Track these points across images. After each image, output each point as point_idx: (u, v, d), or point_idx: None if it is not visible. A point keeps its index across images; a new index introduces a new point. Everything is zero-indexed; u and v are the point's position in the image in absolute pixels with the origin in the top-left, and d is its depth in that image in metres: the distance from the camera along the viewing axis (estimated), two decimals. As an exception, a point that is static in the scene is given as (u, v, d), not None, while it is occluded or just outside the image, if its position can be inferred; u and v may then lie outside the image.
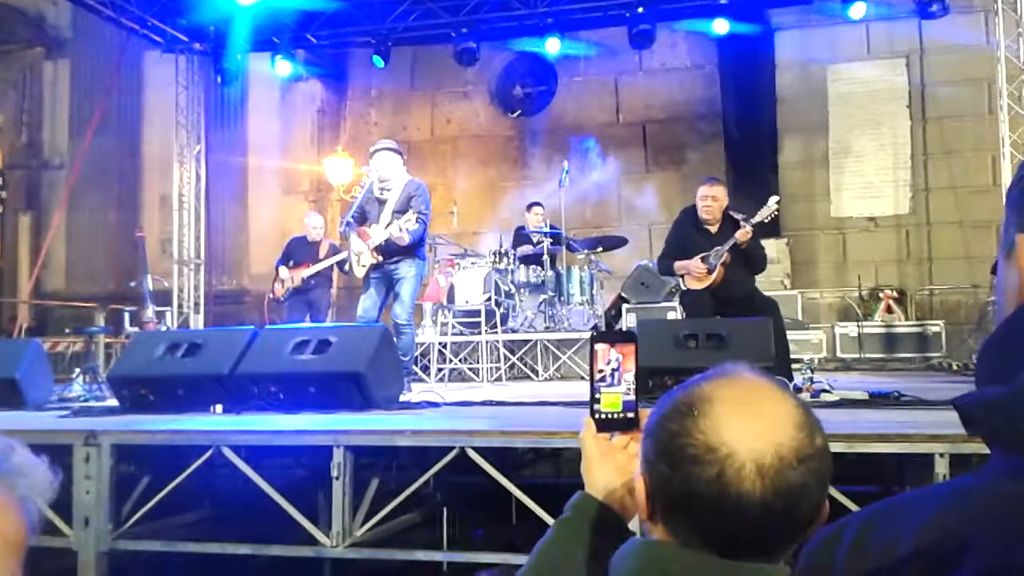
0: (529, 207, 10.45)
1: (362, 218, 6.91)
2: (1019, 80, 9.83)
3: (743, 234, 6.29)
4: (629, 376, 1.43)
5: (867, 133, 12.40)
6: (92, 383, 7.59)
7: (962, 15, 11.17)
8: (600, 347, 1.44)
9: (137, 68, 13.92)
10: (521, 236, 10.22)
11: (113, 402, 5.87)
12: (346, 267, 7.08)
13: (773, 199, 6.64)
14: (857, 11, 10.34)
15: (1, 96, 15.84)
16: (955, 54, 11.71)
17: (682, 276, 6.58)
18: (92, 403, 6.50)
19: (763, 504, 1.03)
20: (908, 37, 12.00)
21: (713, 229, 6.52)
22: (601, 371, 1.44)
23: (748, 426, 1.06)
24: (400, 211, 6.67)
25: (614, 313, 10.21)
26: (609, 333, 1.53)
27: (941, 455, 3.39)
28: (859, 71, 12.43)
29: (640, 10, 10.53)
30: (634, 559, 1.11)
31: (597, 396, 1.43)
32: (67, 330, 10.84)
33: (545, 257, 9.63)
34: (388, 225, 6.62)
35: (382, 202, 6.80)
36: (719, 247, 6.36)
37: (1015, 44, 9.84)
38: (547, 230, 9.86)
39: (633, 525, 1.38)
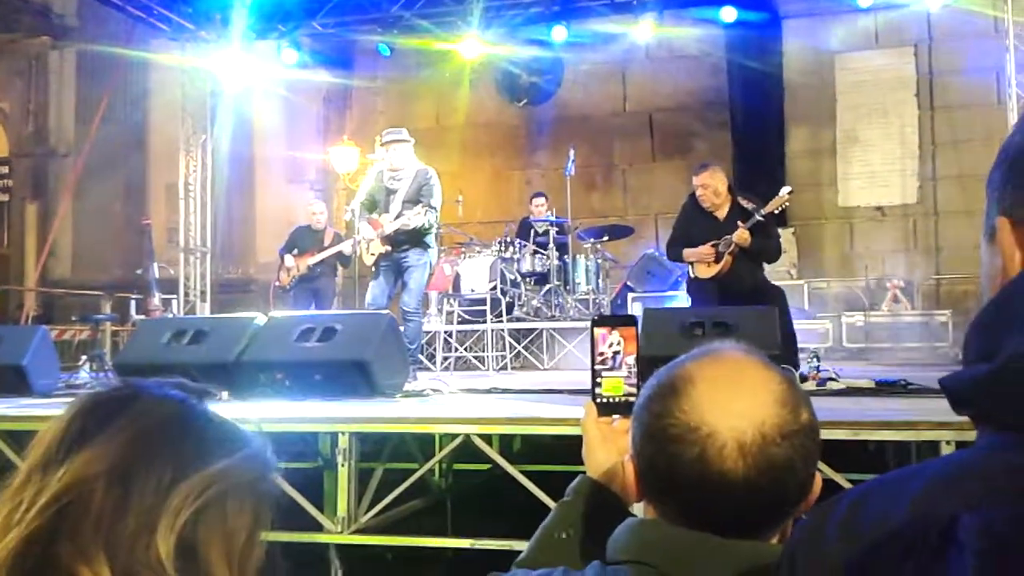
0: (532, 198, 10.45)
1: (371, 205, 6.89)
2: (1028, 69, 9.77)
3: (740, 236, 6.10)
4: (630, 359, 1.44)
5: (875, 122, 12.34)
6: (99, 370, 7.63)
7: (971, 3, 11.09)
8: (600, 331, 1.45)
9: (143, 56, 13.89)
10: (526, 227, 10.21)
11: (119, 389, 5.87)
12: (356, 254, 7.06)
13: (785, 189, 6.54)
14: (865, -1, 10.30)
15: (7, 85, 15.86)
16: (964, 43, 11.63)
17: (691, 263, 6.46)
18: (99, 390, 6.51)
19: (746, 482, 1.02)
20: (916, 26, 11.93)
21: (720, 214, 6.34)
22: (602, 354, 1.44)
23: (729, 404, 1.05)
24: (410, 201, 6.65)
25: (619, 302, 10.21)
26: (609, 317, 1.53)
27: (948, 443, 3.37)
28: (867, 60, 12.36)
29: (647, -2, 10.51)
30: (627, 538, 1.12)
31: (599, 380, 1.44)
32: (73, 318, 10.85)
33: (551, 246, 9.62)
34: (397, 216, 6.61)
35: (392, 191, 6.78)
36: (728, 237, 6.19)
37: (1024, 32, 9.78)
38: (553, 218, 9.85)
39: (637, 508, 1.38)
